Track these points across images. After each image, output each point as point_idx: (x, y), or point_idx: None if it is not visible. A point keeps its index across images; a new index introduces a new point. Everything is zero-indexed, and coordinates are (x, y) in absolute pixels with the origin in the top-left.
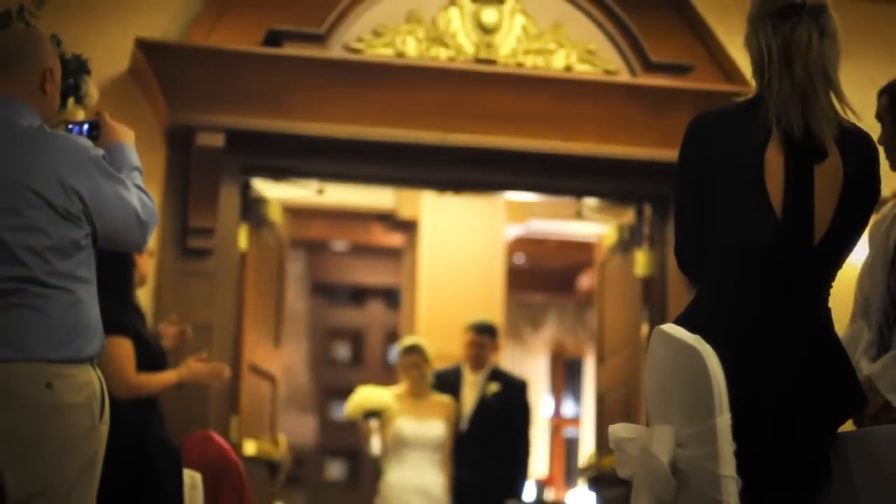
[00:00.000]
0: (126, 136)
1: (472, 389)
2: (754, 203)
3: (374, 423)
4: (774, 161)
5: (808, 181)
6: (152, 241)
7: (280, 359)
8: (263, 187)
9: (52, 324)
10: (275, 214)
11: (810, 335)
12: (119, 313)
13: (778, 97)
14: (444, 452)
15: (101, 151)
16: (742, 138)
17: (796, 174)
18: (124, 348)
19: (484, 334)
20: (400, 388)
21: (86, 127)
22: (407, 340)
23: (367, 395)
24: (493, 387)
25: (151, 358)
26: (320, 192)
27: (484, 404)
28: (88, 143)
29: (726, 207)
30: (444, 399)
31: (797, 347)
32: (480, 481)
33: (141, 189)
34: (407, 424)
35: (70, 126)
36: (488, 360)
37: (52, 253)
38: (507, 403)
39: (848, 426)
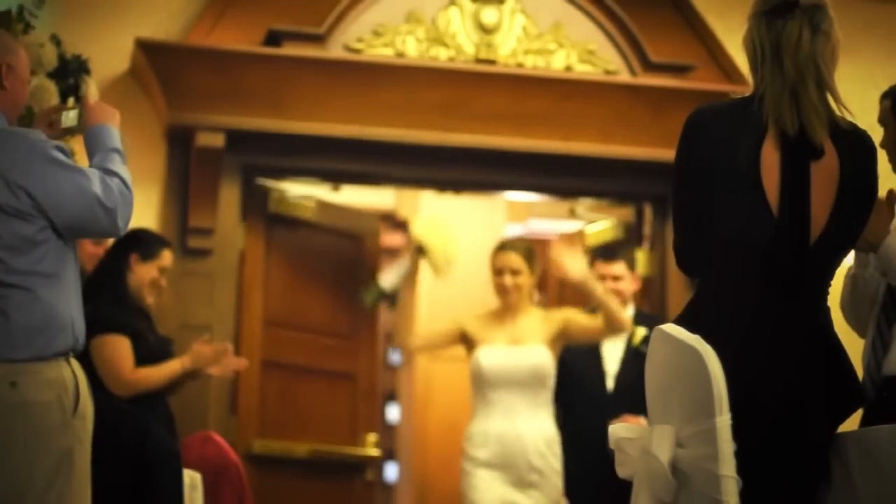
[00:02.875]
0: (110, 118)
1: (613, 339)
2: (751, 201)
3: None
4: (770, 159)
5: (805, 179)
6: (167, 257)
7: None
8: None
9: (10, 323)
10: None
11: (809, 334)
12: (114, 312)
13: (770, 94)
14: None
15: (53, 144)
16: (739, 136)
17: (792, 172)
18: (118, 346)
19: (616, 261)
20: (488, 309)
21: (72, 114)
22: (504, 239)
23: (421, 226)
24: (641, 332)
25: (151, 353)
26: (336, 189)
27: (632, 355)
28: (39, 136)
29: (723, 205)
30: (548, 314)
31: (796, 346)
32: None
33: (112, 172)
34: (489, 354)
35: (62, 113)
36: (629, 299)
37: (5, 252)
38: None
39: (848, 426)
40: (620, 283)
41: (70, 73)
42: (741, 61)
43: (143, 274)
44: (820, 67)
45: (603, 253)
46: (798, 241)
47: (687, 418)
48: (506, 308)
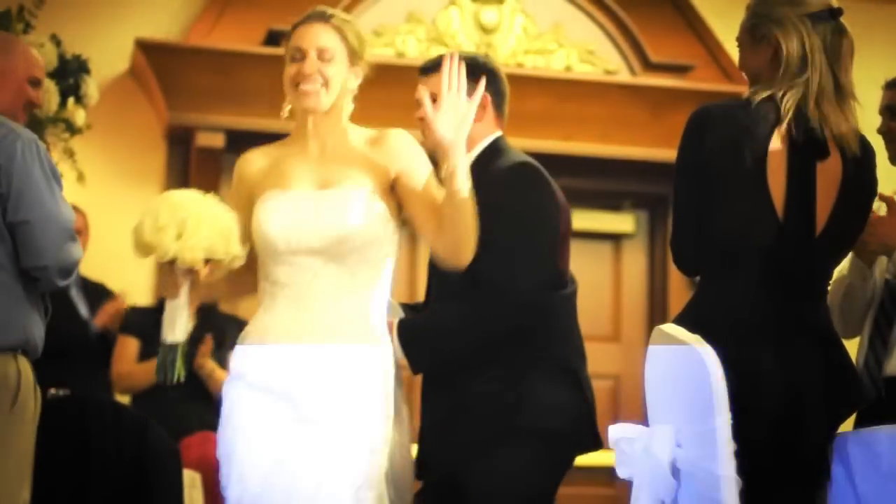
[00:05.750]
0: None
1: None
2: (755, 200)
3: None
4: (777, 158)
5: (811, 179)
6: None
7: None
8: None
9: None
10: None
11: (810, 333)
12: (130, 315)
13: (816, 94)
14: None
15: None
16: (746, 134)
17: (800, 172)
18: (119, 345)
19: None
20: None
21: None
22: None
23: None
24: None
25: (152, 353)
26: None
27: None
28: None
29: (726, 203)
30: (384, 137)
31: (797, 346)
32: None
33: None
34: (274, 206)
35: None
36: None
37: None
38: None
39: (848, 426)
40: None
41: (70, 73)
42: None
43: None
44: (849, 74)
45: (423, 66)
46: (802, 240)
47: (687, 418)
48: (305, 126)
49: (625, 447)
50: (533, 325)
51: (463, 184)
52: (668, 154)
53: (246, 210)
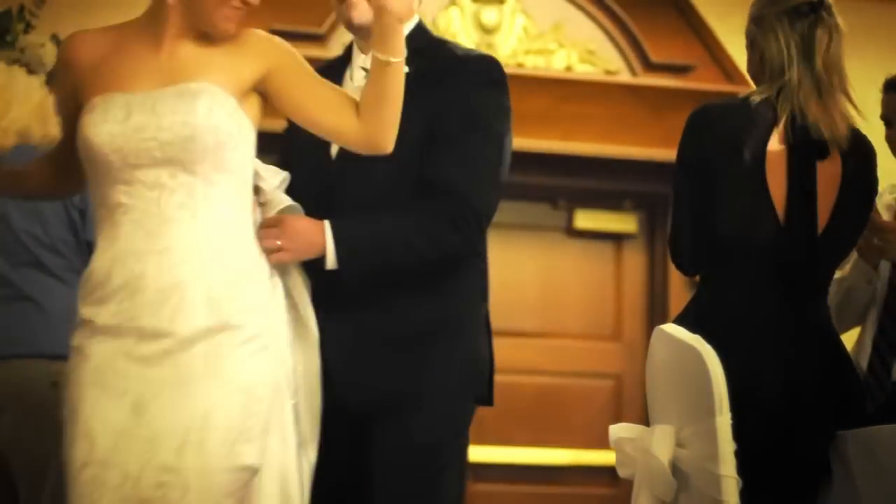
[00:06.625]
0: None
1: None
2: (754, 200)
3: None
4: (776, 158)
5: (812, 179)
6: None
7: None
8: None
9: (48, 315)
10: None
11: (811, 334)
12: None
13: (799, 93)
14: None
15: None
16: (744, 134)
17: (800, 171)
18: None
19: None
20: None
21: None
22: None
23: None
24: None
25: None
26: None
27: None
28: None
29: (726, 203)
30: (246, 33)
31: (798, 346)
32: None
33: None
34: (106, 111)
35: None
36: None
37: (61, 244)
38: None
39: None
40: None
41: None
42: (741, 62)
43: None
44: (842, 70)
45: None
46: (802, 240)
47: (687, 418)
48: (162, 15)
49: (625, 447)
50: (477, 253)
51: (401, 47)
52: (668, 154)
53: (70, 110)
